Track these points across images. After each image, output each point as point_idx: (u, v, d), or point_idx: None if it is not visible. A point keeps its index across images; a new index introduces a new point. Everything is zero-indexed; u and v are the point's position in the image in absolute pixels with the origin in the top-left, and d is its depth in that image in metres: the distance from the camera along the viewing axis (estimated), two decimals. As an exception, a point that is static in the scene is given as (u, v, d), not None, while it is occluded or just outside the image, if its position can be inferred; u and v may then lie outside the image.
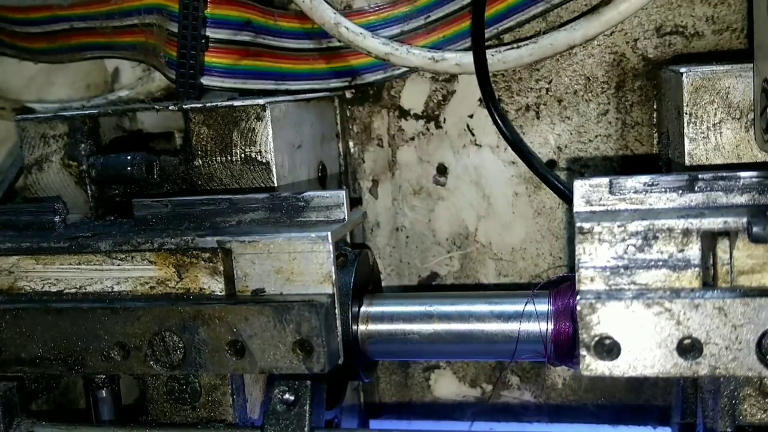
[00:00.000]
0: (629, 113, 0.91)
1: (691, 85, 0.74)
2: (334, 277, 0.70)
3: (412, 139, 0.97)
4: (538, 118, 0.93)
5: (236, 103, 0.80)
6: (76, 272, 0.74)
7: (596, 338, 0.62)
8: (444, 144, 0.97)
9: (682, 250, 0.63)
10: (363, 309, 0.78)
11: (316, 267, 0.70)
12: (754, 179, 0.65)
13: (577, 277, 0.64)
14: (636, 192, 0.66)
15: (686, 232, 0.62)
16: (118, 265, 0.73)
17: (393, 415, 1.05)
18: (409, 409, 1.05)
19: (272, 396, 0.72)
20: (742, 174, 0.65)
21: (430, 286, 1.00)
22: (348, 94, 0.98)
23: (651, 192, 0.66)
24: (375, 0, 0.92)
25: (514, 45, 0.87)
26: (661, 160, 0.89)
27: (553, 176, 0.85)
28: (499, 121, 0.85)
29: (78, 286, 0.74)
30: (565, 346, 0.72)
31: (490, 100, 0.85)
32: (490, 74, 0.87)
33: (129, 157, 0.81)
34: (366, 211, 1.00)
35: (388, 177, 0.99)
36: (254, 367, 0.69)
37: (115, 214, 0.84)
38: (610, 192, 0.67)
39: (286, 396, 0.72)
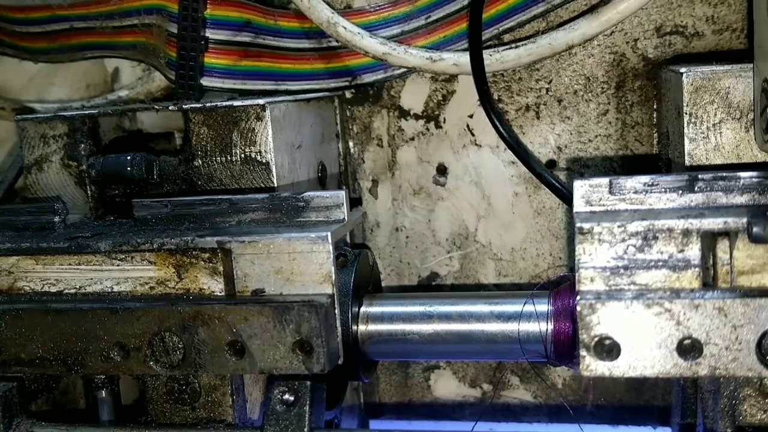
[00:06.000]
0: (629, 113, 0.91)
1: (691, 85, 0.73)
2: (334, 277, 0.70)
3: (412, 139, 0.97)
4: (538, 118, 0.93)
5: (236, 103, 0.80)
6: (76, 272, 0.74)
7: (596, 338, 0.62)
8: (444, 144, 0.97)
9: (682, 251, 0.63)
10: (363, 309, 0.78)
11: (316, 267, 0.70)
12: (754, 179, 0.65)
13: (577, 278, 0.64)
14: (636, 192, 0.67)
15: (686, 233, 0.62)
16: (118, 265, 0.73)
17: (393, 415, 1.05)
18: (409, 409, 1.05)
19: (272, 396, 0.72)
20: (742, 174, 0.65)
21: (430, 286, 1.00)
22: (348, 94, 0.98)
23: (651, 192, 0.66)
24: (375, 0, 0.92)
25: (513, 45, 0.87)
26: (661, 160, 0.89)
27: (550, 174, 0.85)
28: (495, 120, 0.85)
29: (78, 287, 0.74)
30: (565, 346, 0.72)
31: (486, 99, 0.85)
32: (489, 74, 0.87)
33: (129, 158, 0.81)
34: (366, 211, 1.00)
35: (388, 177, 0.99)
36: (254, 367, 0.69)
37: (115, 214, 0.84)
38: (610, 192, 0.67)
39: (286, 396, 0.72)
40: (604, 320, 0.62)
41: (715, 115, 0.73)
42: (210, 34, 0.88)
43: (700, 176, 0.65)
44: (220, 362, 0.69)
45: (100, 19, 0.95)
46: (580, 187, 0.67)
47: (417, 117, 0.97)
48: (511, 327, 0.74)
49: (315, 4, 0.86)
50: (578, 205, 0.67)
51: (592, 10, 0.86)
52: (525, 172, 0.92)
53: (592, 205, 0.67)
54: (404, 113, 0.97)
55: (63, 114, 0.85)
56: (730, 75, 0.73)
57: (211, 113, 0.81)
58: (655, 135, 0.90)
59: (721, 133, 0.74)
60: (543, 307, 0.73)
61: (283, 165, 0.82)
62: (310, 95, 0.90)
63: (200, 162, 0.81)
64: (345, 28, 0.86)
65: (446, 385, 1.03)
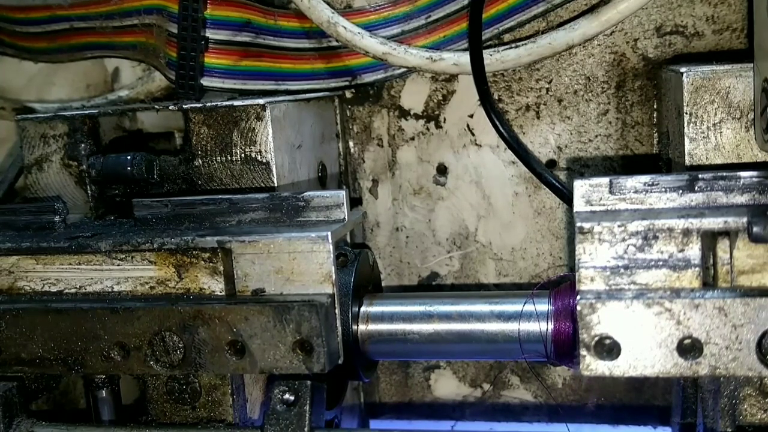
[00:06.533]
0: (629, 113, 0.91)
1: (691, 84, 0.74)
2: (334, 277, 0.70)
3: (412, 139, 0.97)
4: (538, 118, 0.93)
5: (236, 103, 0.80)
6: (76, 272, 0.74)
7: (596, 338, 0.62)
8: (444, 144, 0.97)
9: (682, 250, 0.63)
10: (363, 309, 0.78)
11: (316, 267, 0.70)
12: (754, 179, 0.65)
13: (577, 277, 0.64)
14: (636, 192, 0.67)
15: (686, 232, 0.62)
16: (118, 265, 0.73)
17: (393, 415, 1.05)
18: (409, 409, 1.05)
19: (272, 396, 0.72)
20: (742, 174, 0.65)
21: (430, 286, 1.00)
22: (348, 94, 0.98)
23: (651, 192, 0.66)
24: (375, 0, 0.92)
25: (513, 45, 0.87)
26: (661, 160, 0.89)
27: (550, 174, 0.85)
28: (495, 120, 0.85)
29: (78, 286, 0.74)
30: (565, 346, 0.72)
31: (486, 99, 0.85)
32: (490, 74, 0.87)
33: (129, 157, 0.81)
34: (366, 211, 1.00)
35: (388, 177, 0.99)
36: (254, 367, 0.69)
37: (115, 214, 0.84)
38: (610, 192, 0.67)
39: (286, 396, 0.72)
40: (604, 320, 0.62)
41: (715, 114, 0.73)
42: (210, 34, 0.88)
43: (700, 176, 0.65)
44: (221, 362, 0.69)
45: (100, 19, 0.95)
46: (580, 187, 0.67)
47: (417, 117, 0.97)
48: (511, 327, 0.74)
49: (315, 4, 0.86)
50: (578, 205, 0.67)
51: (592, 10, 0.86)
52: (525, 171, 0.92)
53: (592, 205, 0.67)
54: (404, 113, 0.97)
55: (63, 114, 0.85)
56: (730, 75, 0.73)
57: (211, 113, 0.81)
58: (655, 135, 0.90)
59: (721, 132, 0.74)
60: (543, 306, 0.73)
61: (283, 165, 0.82)
62: (310, 95, 0.90)
63: (200, 162, 0.81)
64: (345, 27, 0.86)
65: (446, 385, 1.03)
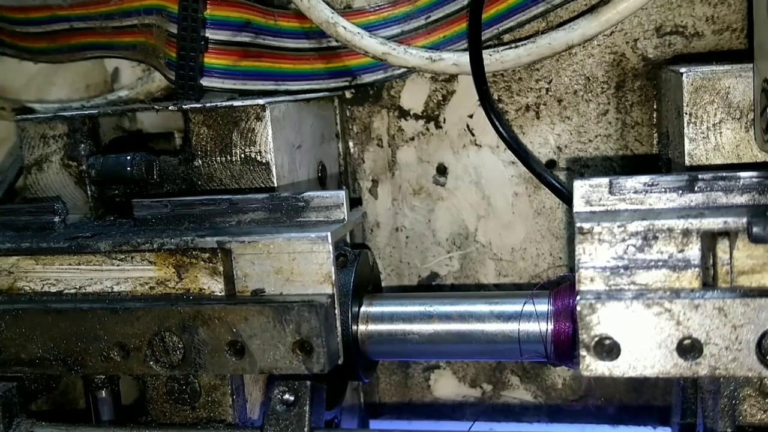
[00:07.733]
0: (629, 113, 0.91)
1: (691, 85, 0.74)
2: (333, 277, 0.70)
3: (412, 139, 0.97)
4: (538, 118, 0.93)
5: (236, 103, 0.80)
6: (76, 272, 0.74)
7: (596, 338, 0.62)
8: (444, 144, 0.97)
9: (682, 251, 0.63)
10: (363, 309, 0.78)
11: (315, 267, 0.70)
12: (754, 179, 0.65)
13: (577, 277, 0.64)
14: (636, 192, 0.67)
15: (686, 233, 0.62)
16: (118, 265, 0.73)
17: (393, 415, 1.05)
18: (409, 409, 1.05)
19: (272, 396, 0.72)
20: (742, 174, 0.65)
21: (430, 286, 1.00)
22: (348, 94, 0.98)
23: (651, 192, 0.66)
24: (375, 0, 0.92)
25: (513, 45, 0.87)
26: (661, 160, 0.89)
27: (550, 174, 0.85)
28: (495, 120, 0.85)
29: (78, 287, 0.74)
30: (565, 346, 0.72)
31: (485, 100, 0.85)
32: (489, 74, 0.87)
33: (129, 158, 0.81)
34: (366, 211, 1.00)
35: (388, 177, 0.99)
36: (254, 367, 0.69)
37: (115, 214, 0.84)
38: (610, 192, 0.67)
39: (286, 396, 0.72)
40: (604, 320, 0.62)
41: (715, 115, 0.73)
42: (210, 34, 0.88)
43: (700, 176, 0.65)
44: (220, 362, 0.69)
45: (100, 19, 0.95)
46: (580, 187, 0.67)
47: (417, 117, 0.97)
48: (511, 327, 0.74)
49: (315, 4, 0.86)
50: (578, 205, 0.67)
51: (592, 10, 0.86)
52: (525, 172, 0.92)
53: (592, 205, 0.67)
54: (404, 113, 0.97)
55: (63, 114, 0.85)
56: (730, 75, 0.73)
57: (211, 113, 0.81)
58: (655, 135, 0.90)
59: (721, 133, 0.74)
60: (543, 307, 0.73)
61: (283, 165, 0.82)
62: (310, 95, 0.90)
63: (200, 162, 0.81)
64: (345, 28, 0.86)
65: (446, 385, 1.03)
